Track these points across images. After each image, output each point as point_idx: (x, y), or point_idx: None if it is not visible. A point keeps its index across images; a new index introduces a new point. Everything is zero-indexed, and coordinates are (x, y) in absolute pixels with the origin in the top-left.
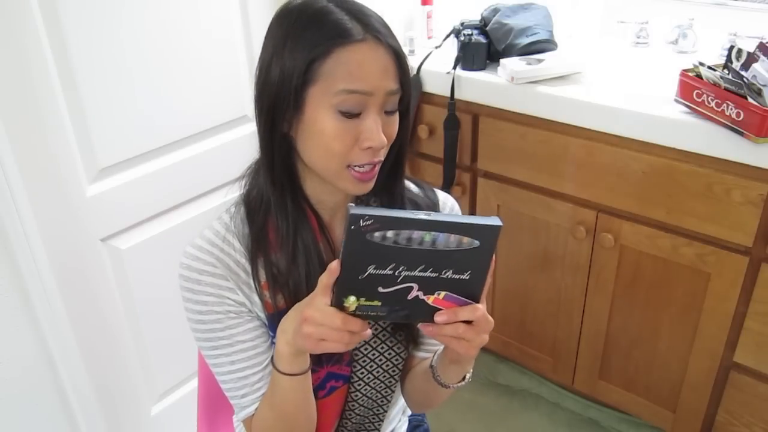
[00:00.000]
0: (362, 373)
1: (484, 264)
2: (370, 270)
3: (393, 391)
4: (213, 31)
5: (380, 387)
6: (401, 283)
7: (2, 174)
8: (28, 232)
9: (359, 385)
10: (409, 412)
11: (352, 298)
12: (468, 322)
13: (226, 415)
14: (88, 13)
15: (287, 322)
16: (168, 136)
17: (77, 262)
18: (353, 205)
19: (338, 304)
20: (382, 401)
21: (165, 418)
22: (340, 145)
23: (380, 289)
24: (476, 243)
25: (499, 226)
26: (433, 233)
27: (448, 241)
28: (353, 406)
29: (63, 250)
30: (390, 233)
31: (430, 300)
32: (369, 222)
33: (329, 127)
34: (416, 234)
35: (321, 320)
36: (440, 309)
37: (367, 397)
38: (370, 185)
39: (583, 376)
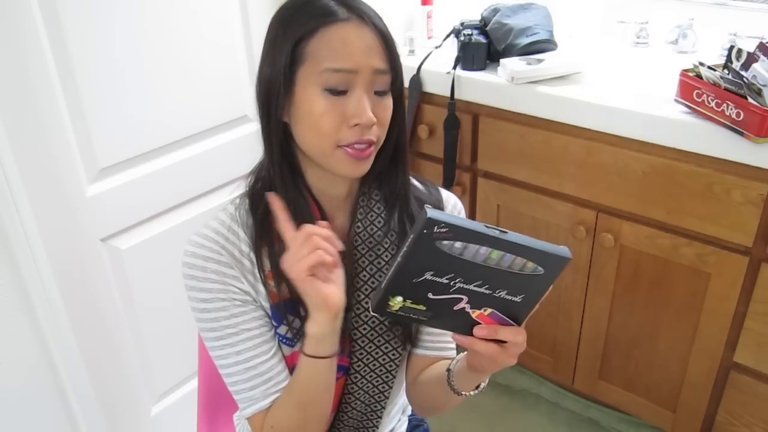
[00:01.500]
0: (359, 365)
1: (540, 290)
2: (427, 275)
3: (390, 387)
4: (213, 31)
5: (377, 382)
6: (453, 293)
7: (2, 174)
8: (28, 232)
9: (356, 378)
10: (409, 412)
11: (399, 298)
12: (502, 342)
13: (227, 414)
14: (88, 13)
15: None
16: (168, 136)
17: (77, 262)
18: (430, 207)
19: (383, 300)
20: (379, 396)
21: (165, 418)
22: (327, 123)
23: (430, 295)
24: (540, 270)
25: (569, 258)
26: (500, 252)
27: (512, 262)
28: (350, 399)
29: (63, 250)
30: (458, 244)
31: (474, 314)
32: (444, 230)
33: (317, 106)
34: (483, 249)
35: (292, 251)
36: (480, 323)
37: (364, 390)
38: (365, 166)
39: (583, 376)
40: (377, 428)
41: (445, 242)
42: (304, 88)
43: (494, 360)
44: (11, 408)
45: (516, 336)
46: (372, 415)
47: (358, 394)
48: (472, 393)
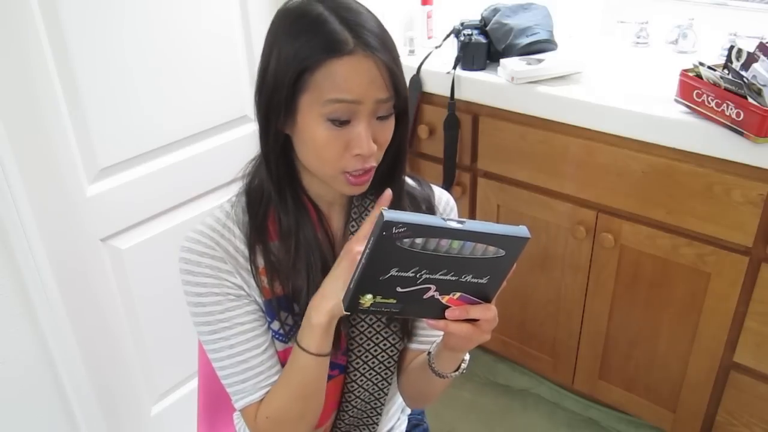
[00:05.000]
0: (358, 363)
1: (504, 270)
2: (392, 272)
3: (390, 383)
4: (213, 31)
5: (377, 379)
6: (420, 284)
7: (2, 174)
8: (28, 232)
9: (355, 375)
10: (409, 411)
11: (369, 296)
12: (474, 320)
13: (227, 414)
14: (88, 13)
15: (324, 296)
16: (168, 136)
17: (77, 262)
18: (386, 209)
19: (354, 299)
20: (378, 394)
21: (165, 418)
22: (330, 152)
23: (398, 289)
24: (502, 252)
25: (528, 238)
26: (461, 242)
27: (474, 249)
28: (350, 397)
29: (63, 250)
30: (419, 240)
31: (444, 299)
32: (402, 230)
33: (320, 135)
34: (444, 242)
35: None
36: (451, 306)
37: (363, 388)
38: (364, 187)
39: (583, 376)
40: (377, 426)
41: (405, 240)
42: (307, 116)
43: (469, 338)
44: (11, 408)
45: (486, 313)
46: (372, 413)
47: (359, 392)
48: (453, 375)
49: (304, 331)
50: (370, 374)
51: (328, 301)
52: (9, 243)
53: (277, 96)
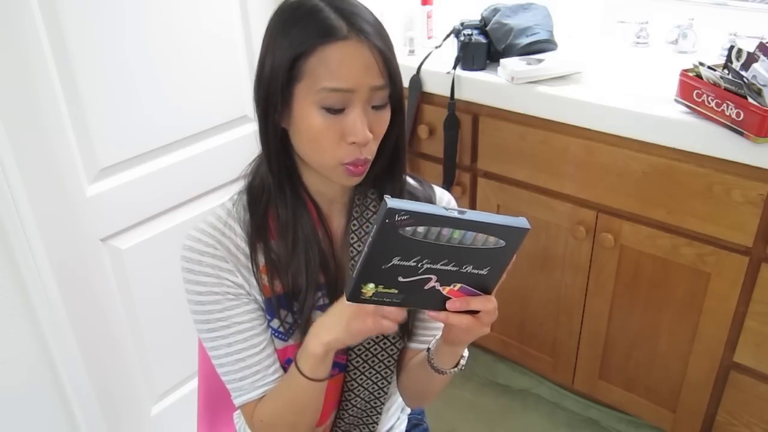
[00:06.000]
0: (357, 362)
1: (504, 261)
2: (395, 261)
3: (389, 383)
4: (213, 31)
5: (376, 378)
6: (422, 274)
7: (2, 174)
8: (28, 232)
9: (355, 374)
10: (408, 411)
11: (371, 285)
12: (475, 312)
13: (227, 414)
14: (88, 13)
15: (325, 325)
16: (168, 136)
17: (77, 262)
18: (390, 197)
19: (356, 289)
20: (378, 393)
21: (165, 418)
22: (326, 140)
23: (400, 279)
24: (502, 243)
25: (528, 229)
26: (462, 231)
27: (474, 239)
28: (350, 396)
29: (63, 250)
30: (421, 228)
31: (445, 291)
32: (405, 218)
33: (315, 124)
34: (446, 231)
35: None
36: (451, 298)
37: (363, 387)
38: (360, 178)
39: (583, 376)
40: (377, 425)
41: (407, 228)
42: (302, 105)
43: (469, 331)
44: (11, 408)
45: (487, 304)
46: (372, 412)
47: (358, 391)
48: (452, 371)
49: (302, 353)
50: (369, 373)
51: (328, 333)
52: (9, 243)
53: (274, 86)
